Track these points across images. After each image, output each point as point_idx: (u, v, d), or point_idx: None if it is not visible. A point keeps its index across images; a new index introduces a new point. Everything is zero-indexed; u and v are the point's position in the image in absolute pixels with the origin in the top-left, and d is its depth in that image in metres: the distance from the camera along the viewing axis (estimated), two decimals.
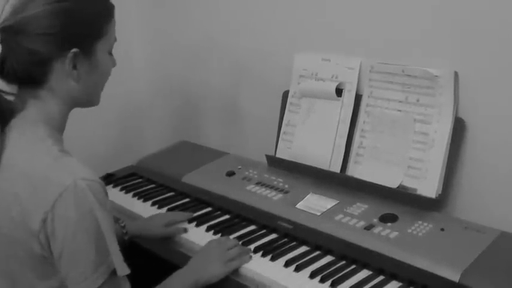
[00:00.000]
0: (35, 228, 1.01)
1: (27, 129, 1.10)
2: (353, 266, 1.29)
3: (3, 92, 1.12)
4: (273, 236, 1.46)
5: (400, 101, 1.50)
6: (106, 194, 1.07)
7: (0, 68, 1.09)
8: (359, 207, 1.45)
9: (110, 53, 1.19)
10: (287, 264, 1.31)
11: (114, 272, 1.04)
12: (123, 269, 1.06)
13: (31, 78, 1.09)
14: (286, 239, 1.44)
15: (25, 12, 1.05)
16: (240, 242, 1.42)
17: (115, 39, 1.18)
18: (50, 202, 0.99)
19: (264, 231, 1.49)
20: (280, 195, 1.58)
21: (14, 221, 1.03)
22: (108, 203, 1.06)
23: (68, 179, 1.00)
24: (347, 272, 1.27)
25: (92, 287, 1.02)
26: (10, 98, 1.13)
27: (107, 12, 1.16)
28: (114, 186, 1.83)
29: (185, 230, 1.50)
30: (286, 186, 1.62)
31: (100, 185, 1.04)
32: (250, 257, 1.35)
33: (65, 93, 1.12)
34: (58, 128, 1.14)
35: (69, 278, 1.03)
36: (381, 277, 1.25)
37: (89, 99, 1.18)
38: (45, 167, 1.04)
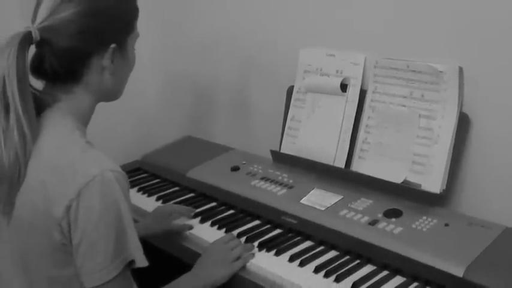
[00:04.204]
0: (58, 215, 1.01)
1: (58, 121, 1.11)
2: (357, 261, 1.30)
3: (36, 90, 1.13)
4: (278, 231, 1.47)
5: (404, 97, 1.49)
6: (129, 186, 1.09)
7: (36, 66, 1.10)
8: (363, 203, 1.45)
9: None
10: (291, 259, 1.31)
11: (128, 265, 1.05)
12: (143, 261, 1.07)
13: (69, 75, 1.11)
14: (290, 234, 1.44)
15: (63, 13, 1.06)
16: (245, 237, 1.42)
17: (138, 34, 1.21)
18: (76, 190, 1.01)
19: (269, 226, 1.50)
20: (284, 191, 1.58)
21: (37, 207, 1.04)
22: (129, 195, 1.08)
23: (95, 170, 1.02)
24: (351, 267, 1.27)
25: (106, 278, 1.02)
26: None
27: (136, 8, 1.20)
28: None
29: (190, 227, 1.51)
30: (291, 181, 1.62)
31: (125, 177, 1.07)
32: (253, 254, 1.35)
33: (98, 87, 1.15)
34: (85, 121, 1.17)
35: (84, 268, 1.03)
36: (385, 272, 1.25)
37: (117, 92, 1.22)
38: (73, 157, 1.06)
